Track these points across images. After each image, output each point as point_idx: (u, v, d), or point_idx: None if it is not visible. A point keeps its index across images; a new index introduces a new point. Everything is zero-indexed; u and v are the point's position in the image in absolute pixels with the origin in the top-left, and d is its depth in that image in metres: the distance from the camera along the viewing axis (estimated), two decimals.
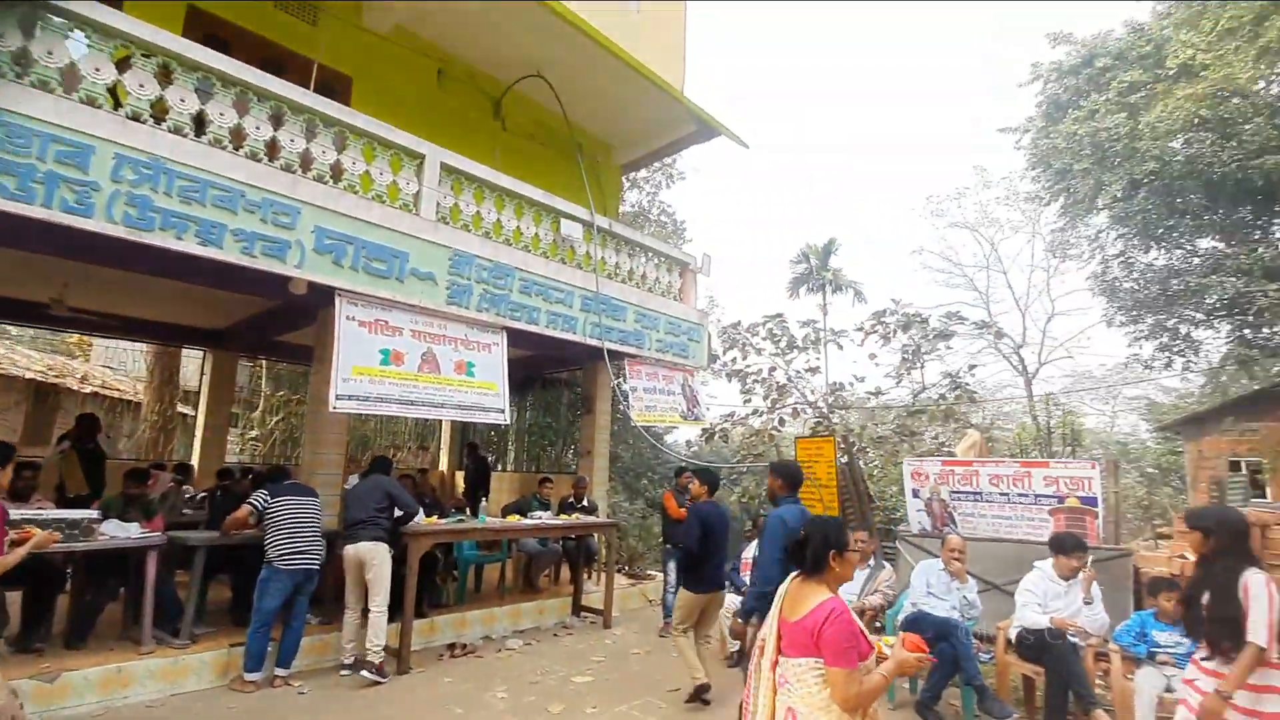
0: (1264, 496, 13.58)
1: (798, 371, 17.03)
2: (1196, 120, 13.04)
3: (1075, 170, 15.23)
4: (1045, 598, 4.60)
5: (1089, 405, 23.84)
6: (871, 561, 5.59)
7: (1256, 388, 15.62)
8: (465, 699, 4.65)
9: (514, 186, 6.79)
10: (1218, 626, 2.84)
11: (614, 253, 7.93)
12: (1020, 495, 6.31)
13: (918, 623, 4.86)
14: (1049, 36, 17.80)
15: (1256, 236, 13.24)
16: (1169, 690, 3.93)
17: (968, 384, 14.49)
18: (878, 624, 5.47)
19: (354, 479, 7.45)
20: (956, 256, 27.26)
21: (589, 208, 7.56)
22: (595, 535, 7.81)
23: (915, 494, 7.10)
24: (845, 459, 7.98)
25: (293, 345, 9.16)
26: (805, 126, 73.49)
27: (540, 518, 6.91)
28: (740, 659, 5.70)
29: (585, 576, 7.73)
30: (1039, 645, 4.34)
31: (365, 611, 5.04)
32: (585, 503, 7.82)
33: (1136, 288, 14.83)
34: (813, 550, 2.31)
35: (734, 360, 17.04)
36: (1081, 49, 17.20)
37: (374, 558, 5.04)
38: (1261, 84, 14.42)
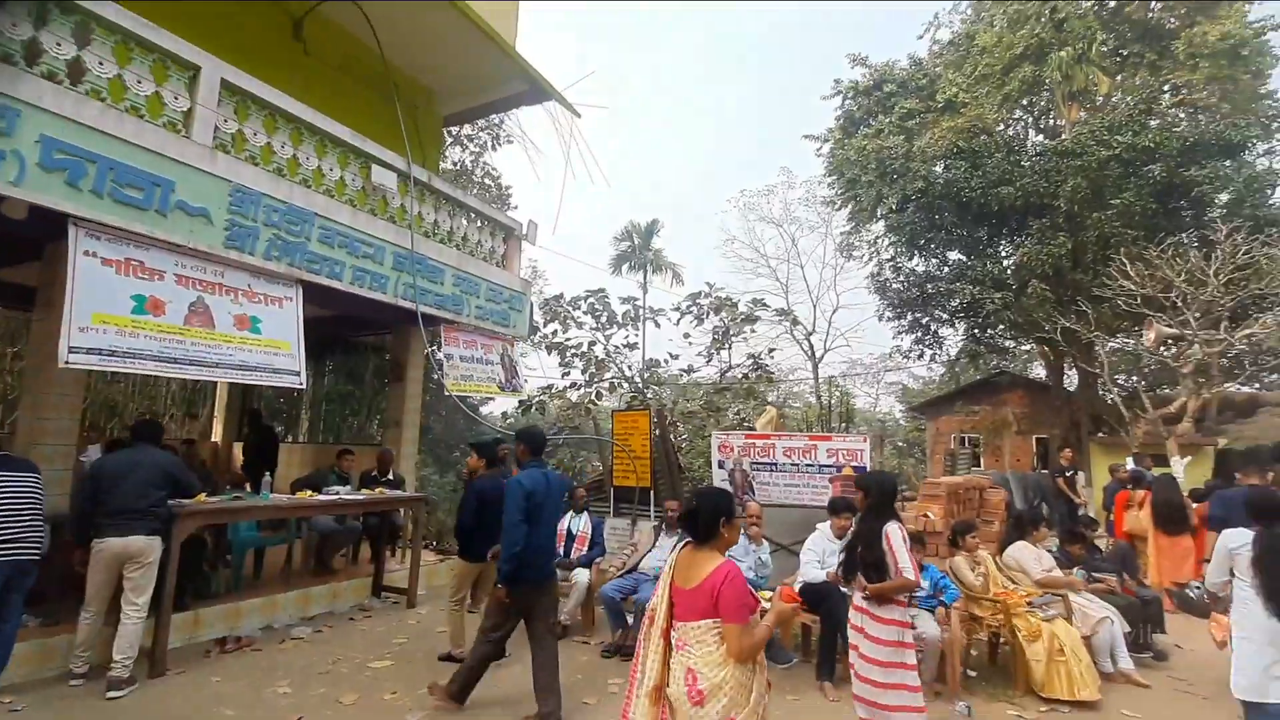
0: (980, 466, 16.69)
1: (616, 347, 17.42)
2: (955, 150, 15.40)
3: (862, 181, 17.27)
4: (823, 555, 5.16)
5: (859, 388, 27.48)
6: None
7: (980, 378, 19.13)
8: (238, 698, 4.09)
9: (316, 120, 5.98)
10: (869, 569, 3.43)
11: (433, 209, 7.37)
12: (808, 465, 7.04)
13: None
14: (849, 57, 19.88)
15: (989, 253, 16.07)
16: (912, 628, 4.63)
17: (768, 365, 15.85)
18: None
19: (94, 451, 6.19)
20: (763, 249, 29.73)
21: (406, 156, 6.93)
22: (401, 511, 7.32)
23: (721, 465, 7.60)
24: (659, 432, 8.30)
25: (11, 286, 7.34)
26: (648, 108, 74.84)
27: (338, 493, 6.29)
28: (562, 632, 5.71)
29: (389, 555, 7.22)
30: (817, 597, 4.87)
31: (112, 612, 4.20)
32: (391, 476, 7.28)
33: (902, 289, 17.28)
34: (704, 519, 2.42)
35: (554, 333, 16.97)
36: (874, 73, 19.43)
37: (148, 555, 4.23)
38: (1002, 126, 17.44)
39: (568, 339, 16.60)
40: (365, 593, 6.64)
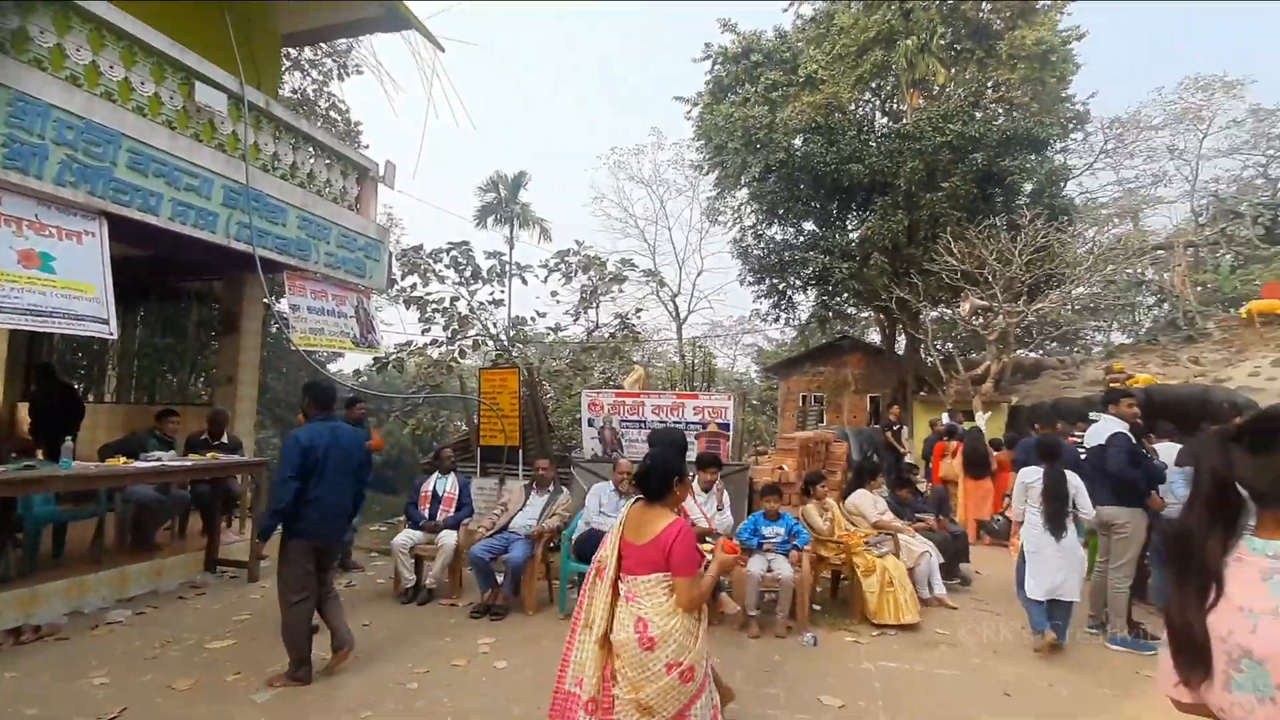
0: (823, 422, 18.22)
1: (481, 303, 16.80)
2: (813, 125, 16.23)
3: (729, 148, 17.72)
4: (691, 507, 5.40)
5: (720, 349, 28.81)
6: (550, 487, 5.85)
7: (826, 341, 20.74)
8: (43, 694, 3.54)
9: (123, 23, 5.01)
10: None
11: (272, 139, 6.53)
12: (675, 422, 7.26)
13: (590, 539, 5.27)
14: (719, 22, 20.11)
15: (839, 225, 17.29)
16: (769, 570, 5.00)
17: (634, 325, 16.07)
18: (553, 544, 5.79)
19: None
20: (632, 209, 29.83)
21: (238, 76, 6.04)
22: (238, 477, 6.62)
23: (590, 423, 7.63)
24: (528, 391, 8.15)
25: None
26: (521, 53, 71.02)
27: (160, 459, 5.54)
28: (415, 594, 5.51)
29: (225, 526, 6.53)
30: None
31: None
32: (225, 439, 6.54)
33: (762, 255, 18.16)
34: (658, 478, 2.55)
35: (413, 286, 16.01)
36: (742, 40, 19.84)
37: None
38: (855, 105, 18.61)
39: (428, 293, 15.73)
40: (197, 568, 5.99)
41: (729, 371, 28.93)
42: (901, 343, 18.59)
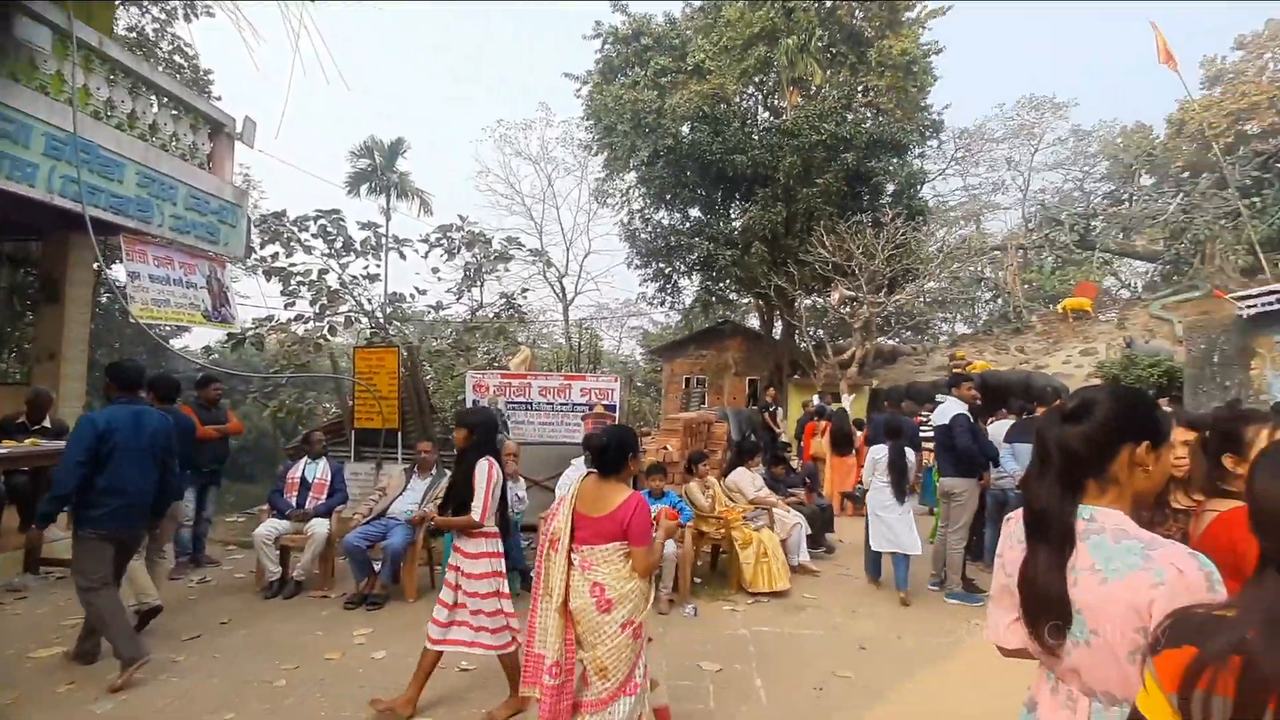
0: (705, 403, 18.90)
1: (354, 277, 15.80)
2: (700, 113, 16.61)
3: (618, 130, 17.72)
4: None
5: (606, 331, 28.98)
6: (434, 470, 5.66)
7: (709, 325, 21.46)
8: None
9: None
10: (460, 507, 3.40)
11: (105, 82, 5.73)
12: (563, 404, 7.26)
13: None
14: (610, 1, 19.93)
15: (723, 213, 17.88)
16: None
17: (520, 305, 15.80)
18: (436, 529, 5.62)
19: None
20: (519, 185, 29.11)
21: (65, 8, 5.23)
22: None
23: (475, 404, 7.44)
24: (409, 371, 7.80)
25: None
26: (402, 10, 66.10)
27: None
28: (281, 587, 5.16)
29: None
30: None
31: None
32: (48, 423, 5.73)
33: (649, 239, 18.42)
34: (613, 455, 2.72)
35: (275, 256, 14.76)
36: (633, 22, 19.81)
37: None
38: (739, 98, 19.22)
39: (293, 264, 14.56)
40: (16, 569, 5.24)
41: (615, 354, 29.24)
42: (779, 328, 19.64)
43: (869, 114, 17.85)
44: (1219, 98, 22.10)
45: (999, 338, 20.39)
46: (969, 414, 5.56)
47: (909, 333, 21.91)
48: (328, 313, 14.64)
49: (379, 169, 20.78)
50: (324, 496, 5.55)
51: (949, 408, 5.64)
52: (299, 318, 14.50)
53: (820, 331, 18.00)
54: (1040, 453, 1.38)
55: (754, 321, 21.94)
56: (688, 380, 20.76)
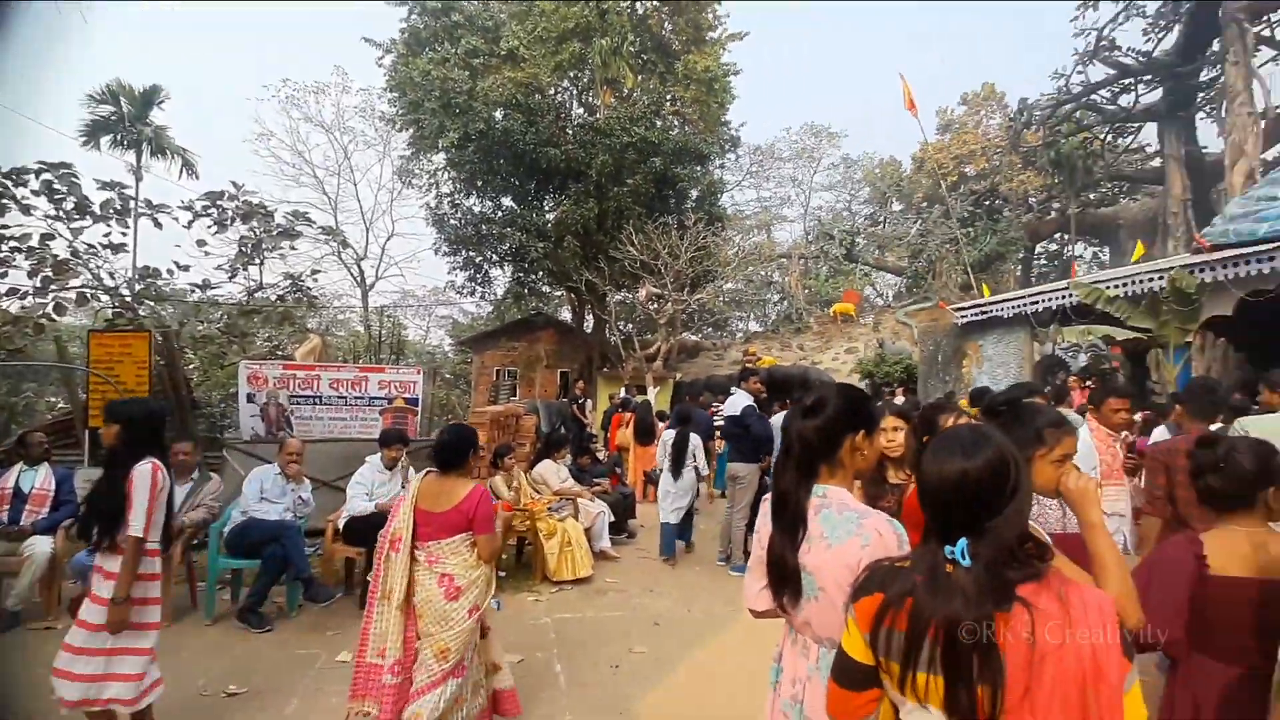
0: (516, 396, 18.71)
1: (91, 246, 13.14)
2: (514, 101, 16.34)
3: (425, 108, 16.80)
4: (373, 486, 5.13)
5: (411, 320, 27.37)
6: (194, 474, 4.97)
7: (521, 317, 21.26)
8: None
9: None
10: (100, 520, 2.72)
11: None
12: (357, 398, 6.76)
13: (247, 531, 4.66)
14: None
15: (537, 205, 17.77)
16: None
17: (310, 288, 14.34)
18: (196, 540, 4.94)
19: None
20: (309, 155, 26.27)
21: None
22: None
23: (251, 399, 6.65)
24: (165, 361, 6.72)
25: None
26: None
27: None
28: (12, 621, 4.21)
29: None
30: (365, 529, 4.82)
31: None
32: None
33: (459, 225, 17.72)
34: (456, 450, 2.84)
35: None
36: None
37: None
38: (554, 91, 19.23)
39: (3, 226, 11.74)
40: None
41: (421, 344, 27.74)
42: (590, 322, 20.05)
43: (676, 122, 18.89)
44: (948, 143, 26.79)
45: (784, 336, 22.81)
46: (756, 405, 6.20)
47: (710, 329, 23.65)
48: (53, 287, 12.02)
49: (126, 119, 17.47)
50: (45, 509, 4.61)
51: (738, 400, 6.23)
52: (12, 291, 11.72)
53: (630, 326, 18.74)
54: (784, 443, 1.61)
55: (567, 314, 22.17)
56: (499, 372, 20.39)
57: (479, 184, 17.30)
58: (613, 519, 6.73)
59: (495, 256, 18.05)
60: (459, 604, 2.71)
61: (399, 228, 38.87)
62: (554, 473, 6.49)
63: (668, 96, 18.78)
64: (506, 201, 17.96)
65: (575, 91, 19.97)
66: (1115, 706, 1.00)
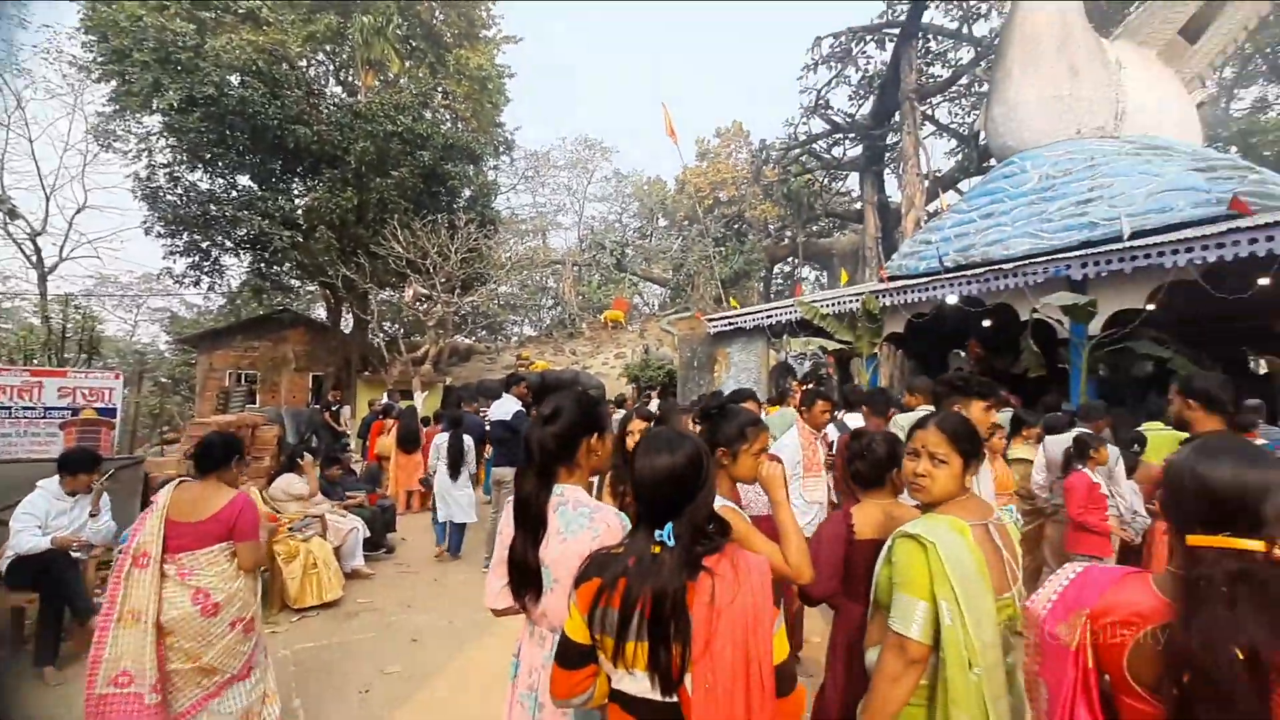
0: (255, 403, 16.47)
1: None
2: (254, 68, 14.38)
3: (136, 59, 14.00)
4: (47, 518, 4.18)
5: (112, 312, 22.50)
6: None
7: (262, 313, 18.75)
8: None
9: None
10: None
11: None
12: (27, 409, 5.41)
13: None
14: None
15: (282, 188, 15.78)
16: None
17: None
18: None
19: None
20: None
21: None
22: None
23: None
24: None
25: None
26: None
27: None
28: None
29: None
30: (39, 569, 3.91)
31: None
32: None
33: (179, 203, 15.00)
34: (219, 453, 2.74)
35: None
36: None
37: None
38: (305, 63, 17.34)
39: None
40: None
41: (126, 341, 22.97)
42: (349, 321, 18.40)
43: (447, 116, 18.25)
44: (705, 169, 29.72)
45: (558, 340, 23.30)
46: (525, 410, 6.28)
47: (484, 332, 23.19)
48: None
49: None
50: None
51: (506, 405, 6.25)
52: None
53: (396, 327, 17.57)
54: (525, 450, 1.72)
55: (321, 312, 20.06)
56: (233, 376, 17.72)
57: (207, 157, 14.88)
58: (369, 534, 6.29)
59: (229, 243, 15.67)
60: (219, 619, 2.61)
61: (93, 199, 31.76)
62: (296, 487, 5.87)
63: (438, 89, 18.07)
64: (243, 180, 15.72)
65: (333, 68, 18.25)
66: (767, 644, 1.26)
